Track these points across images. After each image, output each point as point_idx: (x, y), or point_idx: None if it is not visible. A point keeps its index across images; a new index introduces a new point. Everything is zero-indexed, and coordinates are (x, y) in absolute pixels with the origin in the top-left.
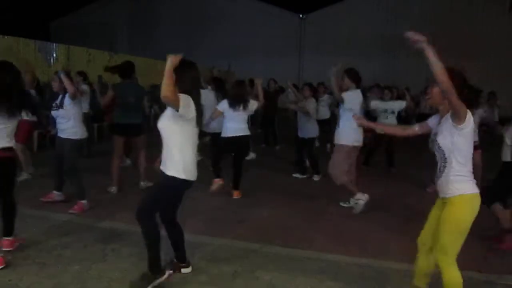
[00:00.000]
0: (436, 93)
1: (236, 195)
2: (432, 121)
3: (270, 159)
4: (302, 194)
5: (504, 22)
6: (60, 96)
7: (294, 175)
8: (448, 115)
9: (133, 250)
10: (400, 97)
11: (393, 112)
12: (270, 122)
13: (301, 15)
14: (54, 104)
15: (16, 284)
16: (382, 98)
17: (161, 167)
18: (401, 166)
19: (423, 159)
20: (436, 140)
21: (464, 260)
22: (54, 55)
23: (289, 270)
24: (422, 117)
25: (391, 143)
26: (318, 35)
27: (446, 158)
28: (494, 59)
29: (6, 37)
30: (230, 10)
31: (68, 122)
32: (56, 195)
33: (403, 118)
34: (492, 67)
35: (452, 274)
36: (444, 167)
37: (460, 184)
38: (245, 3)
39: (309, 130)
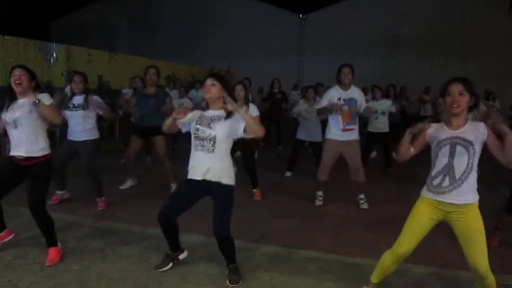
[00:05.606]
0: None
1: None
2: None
3: (271, 159)
4: (302, 194)
5: (504, 22)
6: (81, 97)
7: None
8: (481, 127)
9: (133, 250)
10: (388, 96)
11: (383, 113)
12: (274, 122)
13: (301, 15)
14: (71, 105)
15: (16, 284)
16: (374, 98)
17: (211, 179)
18: (401, 166)
19: (423, 159)
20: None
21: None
22: (54, 55)
23: (289, 270)
24: (422, 119)
25: (387, 142)
26: (318, 35)
27: (472, 164)
28: (494, 59)
29: (6, 37)
30: (230, 10)
31: (91, 121)
32: (61, 194)
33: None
34: (492, 67)
35: (492, 277)
36: (469, 173)
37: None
38: (245, 3)
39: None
